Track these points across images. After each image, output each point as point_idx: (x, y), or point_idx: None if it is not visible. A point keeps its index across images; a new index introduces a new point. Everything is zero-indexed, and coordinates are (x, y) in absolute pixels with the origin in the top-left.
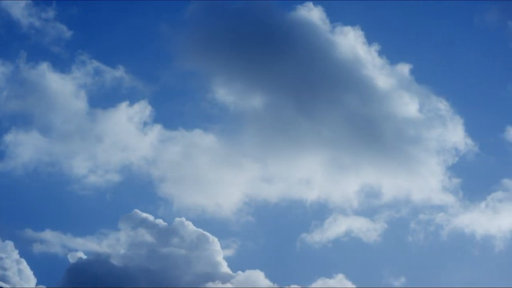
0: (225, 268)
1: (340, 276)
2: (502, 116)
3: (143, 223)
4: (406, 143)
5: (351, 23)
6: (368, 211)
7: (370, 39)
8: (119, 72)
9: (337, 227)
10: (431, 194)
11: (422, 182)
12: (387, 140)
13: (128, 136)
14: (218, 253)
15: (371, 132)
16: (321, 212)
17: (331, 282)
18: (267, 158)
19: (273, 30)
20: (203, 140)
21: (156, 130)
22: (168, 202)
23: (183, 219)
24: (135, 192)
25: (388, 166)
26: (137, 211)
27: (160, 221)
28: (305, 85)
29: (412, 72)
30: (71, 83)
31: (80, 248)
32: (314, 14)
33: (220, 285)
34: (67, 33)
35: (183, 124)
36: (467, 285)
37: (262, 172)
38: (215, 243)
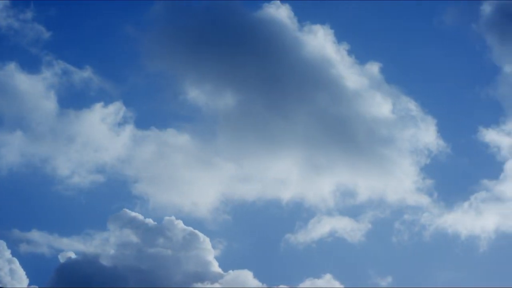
0: (216, 267)
1: (328, 276)
2: (474, 117)
3: (132, 222)
4: (379, 144)
5: (320, 21)
6: (344, 211)
7: (339, 38)
8: (87, 73)
9: (319, 227)
10: (405, 195)
11: (397, 182)
12: (359, 140)
13: (101, 136)
14: (209, 252)
15: (343, 131)
16: (298, 211)
17: (319, 282)
18: (242, 157)
19: (240, 29)
20: (177, 139)
21: (129, 131)
22: (144, 201)
23: (173, 217)
24: (114, 192)
25: (362, 166)
26: (126, 210)
27: (149, 221)
28: (275, 84)
29: (382, 71)
30: (40, 84)
31: (67, 248)
32: (281, 13)
33: (209, 285)
34: (33, 33)
35: (155, 124)
36: (454, 285)
37: (237, 172)
38: (206, 242)
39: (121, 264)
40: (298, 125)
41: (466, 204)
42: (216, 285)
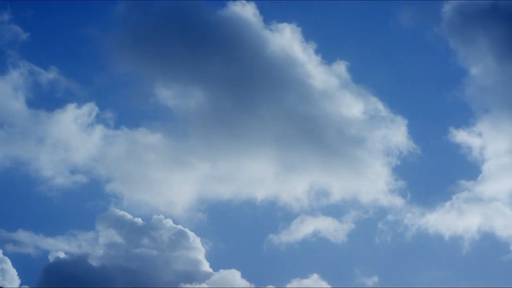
0: (205, 266)
1: (315, 276)
2: (443, 119)
3: (120, 222)
4: (350, 144)
5: (287, 20)
6: (319, 211)
7: (306, 37)
8: (53, 74)
9: (302, 228)
10: (379, 196)
11: (369, 183)
12: (331, 140)
13: (72, 137)
14: (199, 251)
15: (314, 131)
16: (274, 211)
17: (306, 282)
18: (216, 156)
19: (205, 28)
20: (149, 139)
21: (100, 131)
22: (119, 200)
23: (162, 216)
24: (90, 192)
25: (334, 166)
26: (115, 209)
27: (138, 220)
28: (242, 83)
29: (349, 71)
30: (7, 85)
31: (53, 248)
32: (247, 12)
33: (197, 285)
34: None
35: (127, 124)
36: (439, 284)
37: (211, 171)
38: (196, 241)
39: (109, 264)
40: (269, 124)
41: (438, 205)
42: (204, 285)
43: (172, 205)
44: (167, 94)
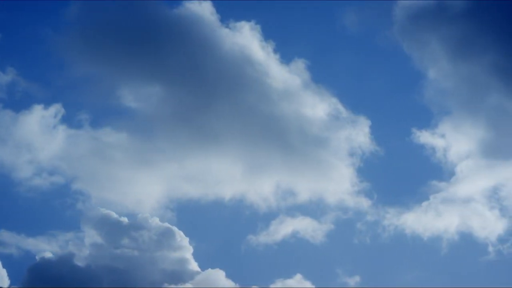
0: (193, 265)
1: (299, 276)
2: (406, 120)
3: (106, 221)
4: (314, 144)
5: (245, 19)
6: (285, 211)
7: (265, 36)
8: (11, 76)
9: (281, 228)
10: (344, 196)
11: (335, 184)
12: (294, 140)
13: (36, 138)
14: (187, 250)
15: (277, 131)
16: (241, 210)
17: (290, 282)
18: (182, 155)
19: (162, 26)
20: (115, 138)
21: (64, 131)
22: (86, 200)
23: (148, 215)
24: (58, 192)
25: (299, 166)
26: (100, 209)
27: (124, 219)
28: (202, 82)
29: (310, 71)
30: None
31: (36, 248)
32: (204, 10)
33: (181, 285)
34: None
35: (90, 124)
36: (420, 284)
37: (178, 170)
38: (183, 239)
39: (95, 264)
40: (231, 124)
41: (406, 206)
42: (188, 285)
43: (140, 204)
44: (129, 93)
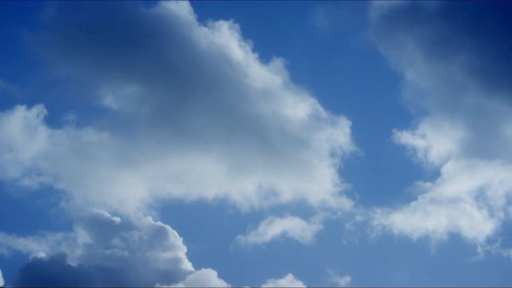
0: (186, 265)
1: (290, 277)
2: (385, 121)
3: (98, 220)
4: (294, 144)
5: (223, 18)
6: (268, 211)
7: (244, 35)
8: None
9: (270, 228)
10: (326, 197)
11: (317, 184)
12: (274, 140)
13: (17, 138)
14: (180, 249)
15: (257, 131)
16: (224, 209)
17: (281, 282)
18: (165, 155)
19: (139, 25)
20: (97, 138)
21: (45, 131)
22: (70, 200)
23: (141, 214)
24: (39, 192)
25: (281, 166)
26: (93, 208)
27: (117, 219)
28: (181, 81)
29: (289, 71)
30: None
31: (26, 248)
32: (181, 9)
33: (173, 285)
34: None
35: (71, 124)
36: (412, 284)
37: (162, 170)
38: (176, 239)
39: (87, 264)
40: (211, 124)
41: (382, 207)
42: (180, 285)
43: (124, 204)
44: (109, 93)
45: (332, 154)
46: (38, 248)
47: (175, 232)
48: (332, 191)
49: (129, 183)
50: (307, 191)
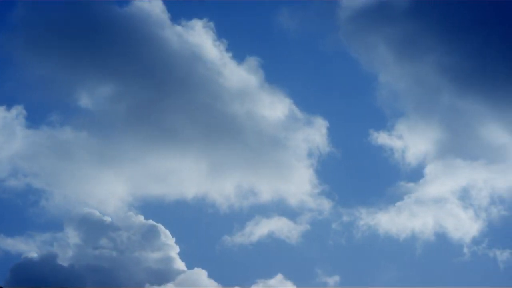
0: (178, 264)
1: (280, 276)
2: (362, 122)
3: (89, 220)
4: (271, 145)
5: (197, 17)
6: (247, 211)
7: (219, 34)
8: None
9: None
10: (305, 197)
11: (295, 185)
12: (251, 141)
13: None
14: (172, 248)
15: (234, 132)
16: (204, 208)
17: (271, 282)
18: (144, 154)
19: (111, 25)
20: (75, 137)
21: (22, 131)
22: (49, 199)
23: (132, 213)
24: (17, 191)
25: (259, 167)
26: (84, 208)
27: (107, 218)
28: (155, 81)
29: (264, 71)
30: None
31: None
32: (154, 8)
33: (163, 285)
34: None
35: (48, 124)
36: (399, 285)
37: (141, 169)
38: (168, 238)
39: (78, 264)
40: (188, 122)
41: (360, 208)
42: (170, 284)
43: (104, 203)
44: (85, 93)
45: (310, 155)
46: (26, 249)
47: (167, 232)
48: (311, 192)
49: (109, 182)
50: (286, 192)
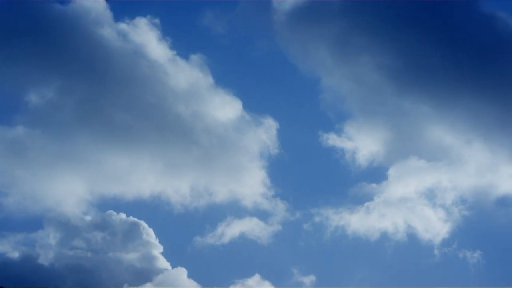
0: (162, 262)
1: (257, 277)
2: (311, 124)
3: (69, 219)
4: (221, 145)
5: (141, 15)
6: (201, 211)
7: (164, 32)
8: None
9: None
10: (258, 198)
11: (248, 186)
12: (202, 141)
13: None
14: (155, 247)
15: (184, 131)
16: (160, 208)
17: (249, 282)
18: (100, 152)
19: (53, 24)
20: (28, 136)
21: None
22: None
23: (112, 211)
24: None
25: (212, 167)
26: (62, 207)
27: (88, 217)
28: (100, 80)
29: (209, 69)
30: None
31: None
32: (96, 7)
33: (141, 285)
34: None
35: (3, 123)
36: (372, 284)
37: (98, 167)
38: (151, 235)
39: (59, 264)
40: (139, 121)
41: (312, 209)
42: (148, 284)
43: (62, 203)
44: (34, 91)
45: (261, 156)
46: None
47: (151, 230)
48: (264, 193)
49: (66, 181)
50: (240, 193)
